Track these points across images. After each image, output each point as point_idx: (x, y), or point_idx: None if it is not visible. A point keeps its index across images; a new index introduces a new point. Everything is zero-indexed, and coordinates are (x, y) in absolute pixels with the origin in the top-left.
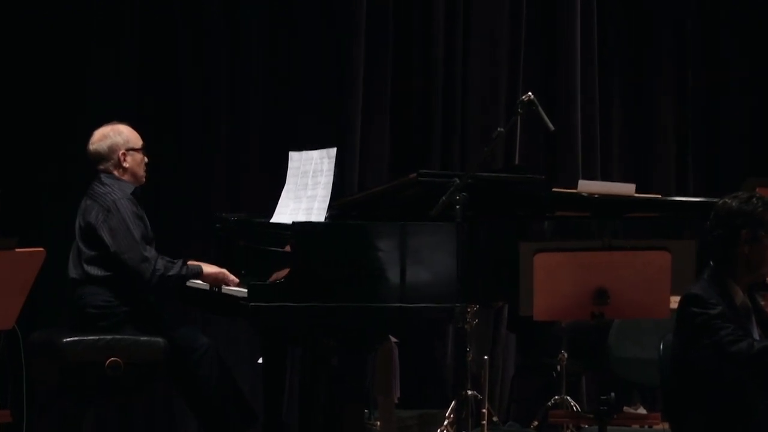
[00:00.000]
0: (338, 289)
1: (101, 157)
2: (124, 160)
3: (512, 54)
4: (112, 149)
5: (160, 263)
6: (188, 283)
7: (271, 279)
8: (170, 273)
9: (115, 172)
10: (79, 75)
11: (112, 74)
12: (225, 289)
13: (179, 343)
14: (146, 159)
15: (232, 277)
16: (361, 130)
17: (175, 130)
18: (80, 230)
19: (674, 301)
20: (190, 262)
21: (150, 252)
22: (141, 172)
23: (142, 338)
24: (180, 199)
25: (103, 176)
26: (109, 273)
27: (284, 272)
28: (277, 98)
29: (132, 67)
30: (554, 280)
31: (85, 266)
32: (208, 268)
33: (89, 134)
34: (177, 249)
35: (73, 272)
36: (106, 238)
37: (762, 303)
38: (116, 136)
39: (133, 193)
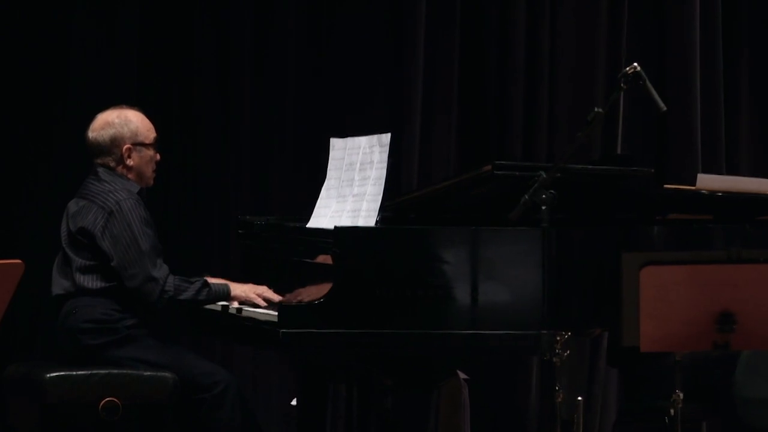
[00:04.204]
0: (392, 312)
1: (100, 149)
2: (129, 156)
3: (612, 18)
4: (115, 142)
5: (171, 283)
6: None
7: (307, 298)
8: (182, 296)
9: (117, 169)
10: (59, 50)
11: (103, 49)
12: (247, 311)
13: (192, 379)
14: (158, 157)
15: (271, 293)
16: (421, 111)
17: (186, 115)
18: (70, 237)
19: None
20: (213, 280)
21: (160, 269)
22: (149, 172)
23: (145, 373)
24: (193, 200)
25: (100, 171)
26: (110, 284)
27: (324, 290)
28: (315, 70)
29: (129, 40)
30: (666, 300)
31: (78, 276)
32: (238, 288)
33: (71, 128)
34: (190, 262)
35: (58, 287)
36: (108, 248)
37: None
38: (122, 126)
39: (138, 194)
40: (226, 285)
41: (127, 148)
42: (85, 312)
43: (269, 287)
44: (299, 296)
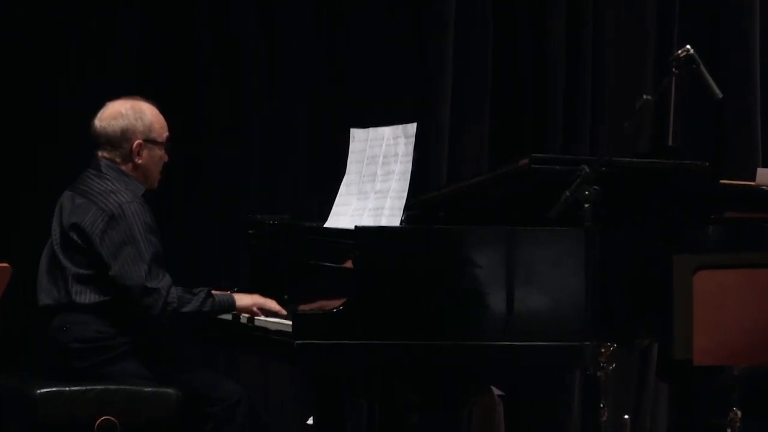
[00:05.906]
0: (419, 321)
1: (108, 140)
2: (139, 153)
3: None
4: (126, 135)
5: (174, 294)
6: None
7: (324, 306)
8: (186, 309)
9: (122, 166)
10: (59, 50)
11: (103, 43)
12: (260, 320)
13: (199, 392)
14: (166, 158)
15: (275, 305)
16: (451, 99)
17: (191, 113)
18: (62, 237)
19: None
20: (216, 291)
21: (162, 280)
22: (156, 173)
23: (146, 389)
24: (199, 199)
25: (103, 164)
26: (106, 298)
27: (343, 296)
28: (331, 56)
29: (129, 40)
30: (722, 308)
31: (71, 287)
32: (244, 299)
33: (69, 127)
34: (195, 266)
35: (46, 297)
36: (106, 255)
37: None
38: (136, 119)
39: (143, 196)
40: (231, 296)
41: (138, 144)
42: (77, 330)
43: (281, 295)
44: (315, 304)
